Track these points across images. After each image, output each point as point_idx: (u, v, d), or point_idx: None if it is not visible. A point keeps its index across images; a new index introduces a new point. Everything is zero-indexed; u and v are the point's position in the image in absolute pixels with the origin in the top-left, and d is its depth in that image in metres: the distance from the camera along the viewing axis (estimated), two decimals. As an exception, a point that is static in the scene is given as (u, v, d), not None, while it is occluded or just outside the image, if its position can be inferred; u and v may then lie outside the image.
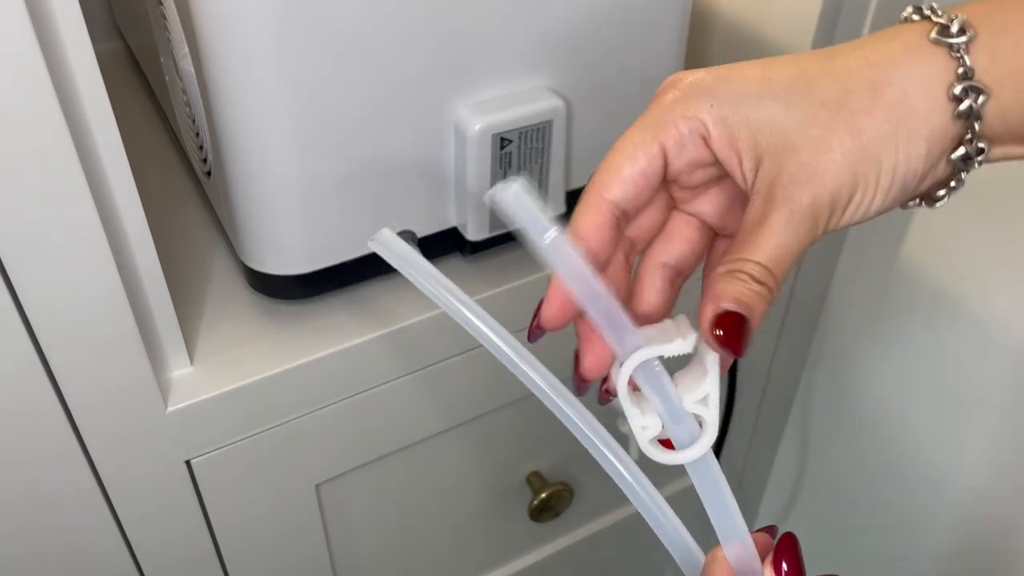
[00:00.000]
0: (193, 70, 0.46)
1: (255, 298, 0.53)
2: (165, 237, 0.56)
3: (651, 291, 0.37)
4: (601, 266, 0.34)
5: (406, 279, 0.55)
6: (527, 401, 0.62)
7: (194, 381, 0.48)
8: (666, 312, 0.37)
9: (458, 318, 0.36)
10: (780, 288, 0.32)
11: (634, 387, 0.34)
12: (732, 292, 0.31)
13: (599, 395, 0.37)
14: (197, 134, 0.52)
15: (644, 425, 0.34)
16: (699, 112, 0.32)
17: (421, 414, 0.58)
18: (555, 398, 0.36)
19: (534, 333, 0.38)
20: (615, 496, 0.57)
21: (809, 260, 0.71)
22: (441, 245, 0.53)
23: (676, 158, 0.33)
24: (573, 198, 0.55)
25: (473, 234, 0.52)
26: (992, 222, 0.62)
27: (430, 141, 0.48)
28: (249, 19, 0.41)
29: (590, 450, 0.35)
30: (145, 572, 0.54)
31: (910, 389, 0.72)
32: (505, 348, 0.37)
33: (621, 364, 0.33)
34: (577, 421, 0.36)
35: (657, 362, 0.33)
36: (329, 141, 0.45)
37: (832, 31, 0.59)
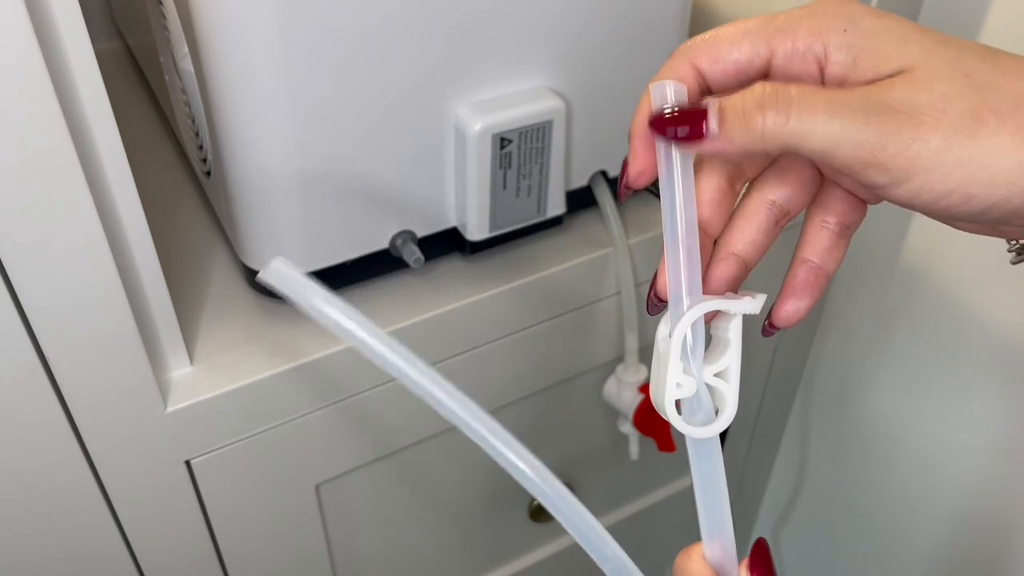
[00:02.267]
0: (193, 70, 0.46)
1: (255, 298, 0.53)
2: (165, 237, 0.56)
3: (752, 228, 0.33)
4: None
5: (406, 279, 0.55)
6: (527, 401, 0.62)
7: (194, 381, 0.48)
8: (762, 253, 0.34)
9: (366, 350, 0.34)
10: (780, 133, 0.28)
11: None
12: (733, 97, 0.29)
13: (648, 302, 0.35)
14: (197, 134, 0.52)
15: (680, 382, 0.33)
16: (826, 32, 0.29)
17: (421, 414, 0.58)
18: (479, 427, 0.35)
19: (623, 193, 0.34)
20: (615, 496, 0.57)
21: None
22: (441, 245, 0.53)
23: (780, 68, 0.30)
24: (573, 198, 0.55)
25: (473, 234, 0.52)
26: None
27: (430, 141, 0.48)
28: (249, 19, 0.41)
29: (515, 476, 0.34)
30: (145, 572, 0.54)
31: (910, 390, 0.72)
32: (420, 378, 0.34)
33: (686, 311, 0.32)
34: (501, 448, 0.35)
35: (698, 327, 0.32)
36: (329, 141, 0.45)
37: (832, 31, 0.59)
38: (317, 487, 0.57)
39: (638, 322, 0.59)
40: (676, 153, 0.31)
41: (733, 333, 0.32)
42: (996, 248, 0.62)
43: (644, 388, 0.60)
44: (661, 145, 0.31)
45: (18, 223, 0.38)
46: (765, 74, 0.31)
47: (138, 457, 0.48)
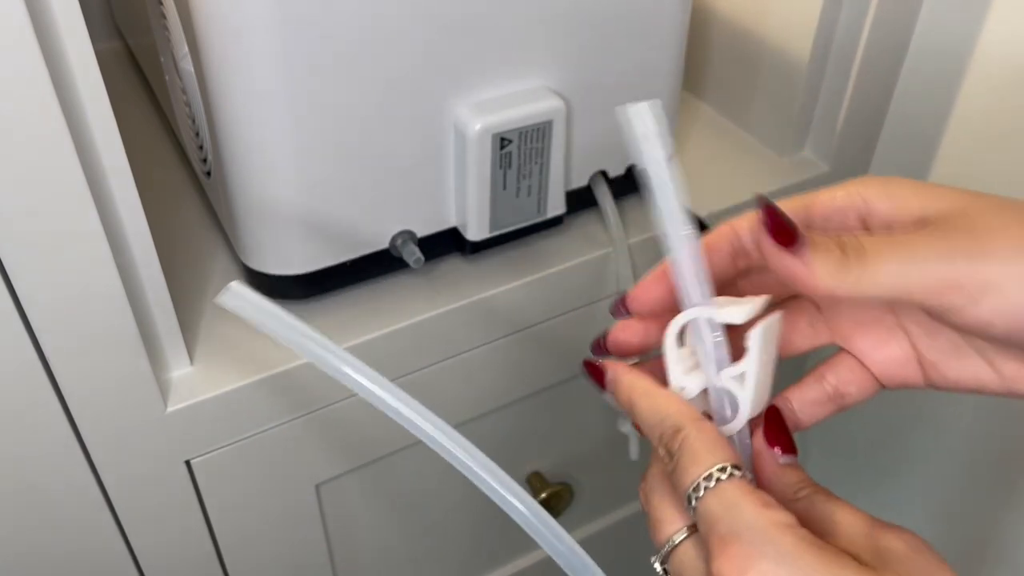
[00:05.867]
0: (193, 70, 0.46)
1: (255, 298, 0.53)
2: (165, 237, 0.56)
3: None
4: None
5: (406, 279, 0.55)
6: (527, 401, 0.62)
7: (194, 381, 0.48)
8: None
9: (325, 366, 0.35)
10: (856, 283, 0.29)
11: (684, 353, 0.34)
12: (815, 235, 0.29)
13: (613, 306, 0.36)
14: (197, 134, 0.52)
15: (683, 386, 0.34)
16: (865, 190, 0.31)
17: (421, 414, 0.58)
18: (446, 443, 0.37)
19: (618, 310, 0.36)
20: (615, 496, 0.57)
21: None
22: (441, 245, 0.53)
23: (821, 226, 0.32)
24: (573, 198, 0.55)
25: (473, 234, 0.52)
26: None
27: (430, 141, 0.48)
28: (248, 19, 0.41)
29: (485, 491, 0.35)
30: (145, 572, 0.54)
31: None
32: (382, 393, 0.36)
33: (675, 319, 0.33)
34: (470, 463, 0.37)
35: (716, 330, 0.33)
36: (329, 141, 0.45)
37: (832, 32, 0.59)
38: (317, 487, 0.57)
39: (638, 322, 0.59)
40: (663, 164, 0.32)
41: (752, 341, 0.33)
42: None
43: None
44: (653, 158, 0.32)
45: (18, 223, 0.38)
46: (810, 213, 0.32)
47: (138, 457, 0.48)
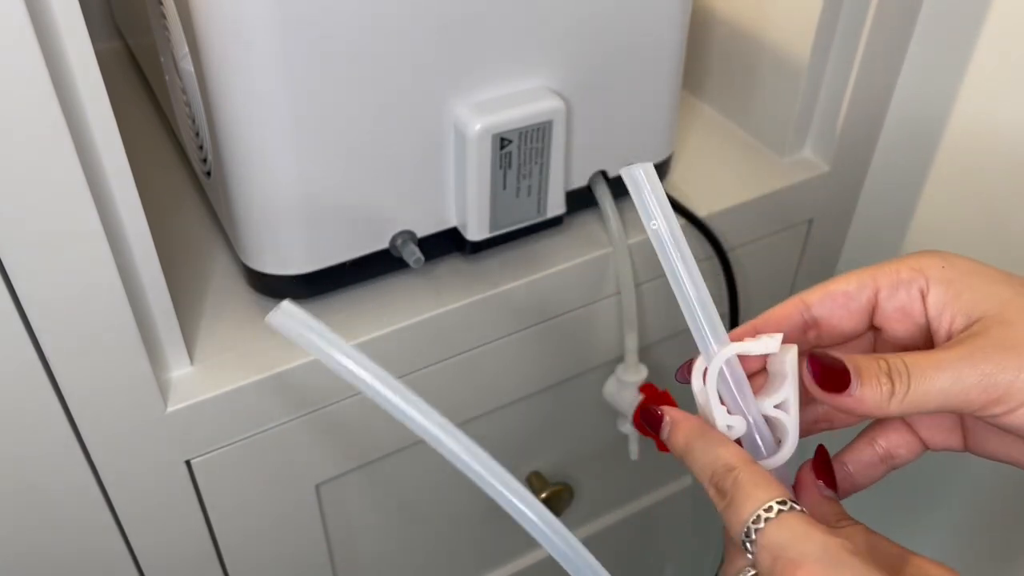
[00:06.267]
0: (193, 70, 0.46)
1: (255, 298, 0.53)
2: (165, 237, 0.56)
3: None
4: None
5: (406, 279, 0.55)
6: (527, 401, 0.62)
7: (194, 381, 0.48)
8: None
9: (372, 394, 0.38)
10: (901, 405, 0.31)
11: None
12: (861, 360, 0.32)
13: (678, 373, 0.37)
14: (197, 134, 0.52)
15: (730, 424, 0.34)
16: (927, 268, 0.33)
17: (421, 414, 0.58)
18: (468, 459, 0.39)
19: (683, 376, 0.38)
20: (614, 496, 0.57)
21: (809, 260, 0.71)
22: (441, 245, 0.53)
23: (887, 299, 0.34)
24: (573, 198, 0.55)
25: (473, 234, 0.52)
26: (991, 223, 0.62)
27: (430, 141, 0.48)
28: (249, 19, 0.41)
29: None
30: (145, 572, 0.54)
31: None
32: (425, 422, 0.39)
33: (710, 361, 0.34)
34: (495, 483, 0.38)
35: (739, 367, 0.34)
36: (329, 141, 0.45)
37: (832, 32, 0.59)
38: (317, 487, 0.57)
39: (638, 322, 0.59)
40: (670, 230, 0.35)
41: (789, 366, 0.34)
42: (995, 249, 0.62)
43: (644, 388, 0.60)
44: (667, 245, 0.36)
45: (18, 223, 0.38)
46: (872, 306, 0.35)
47: (138, 457, 0.48)
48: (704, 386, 0.34)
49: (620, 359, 0.61)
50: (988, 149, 0.60)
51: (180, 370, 0.49)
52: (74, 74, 0.37)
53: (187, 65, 0.47)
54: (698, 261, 0.61)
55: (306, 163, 0.46)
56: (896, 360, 0.32)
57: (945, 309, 0.33)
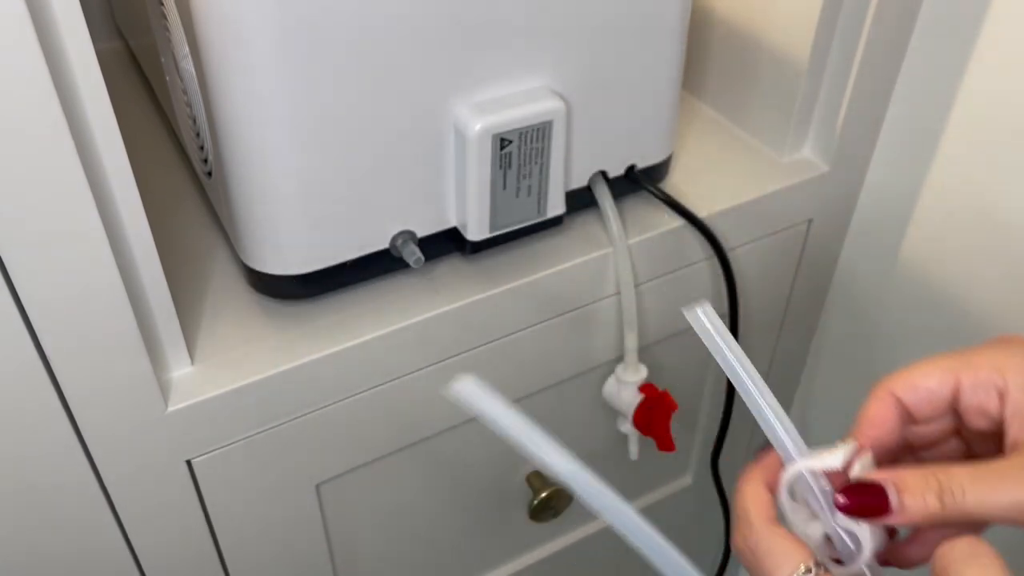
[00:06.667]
0: (194, 70, 0.46)
1: (256, 298, 0.53)
2: (166, 237, 0.56)
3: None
4: (890, 456, 0.37)
5: (406, 280, 0.55)
6: (527, 401, 0.63)
7: (195, 381, 0.48)
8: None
9: (551, 470, 0.41)
10: (952, 521, 0.32)
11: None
12: (909, 479, 0.33)
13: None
14: (198, 134, 0.52)
15: (807, 534, 0.36)
16: (1007, 369, 0.34)
17: (421, 413, 0.58)
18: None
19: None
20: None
21: (808, 260, 0.71)
22: (441, 245, 0.53)
23: (967, 396, 0.35)
24: (573, 198, 0.55)
25: (473, 234, 0.52)
26: (989, 223, 0.62)
27: (430, 141, 0.48)
28: (249, 19, 0.41)
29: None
30: (146, 571, 0.54)
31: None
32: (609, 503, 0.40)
33: (783, 479, 0.37)
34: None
35: (820, 479, 0.36)
36: (329, 141, 0.45)
37: (832, 32, 0.59)
38: (317, 486, 0.57)
39: (638, 322, 0.59)
40: (725, 340, 0.37)
41: (859, 471, 0.35)
42: (995, 249, 0.62)
43: (643, 388, 0.60)
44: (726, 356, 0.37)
45: (19, 223, 0.38)
46: (955, 400, 0.36)
47: (139, 456, 0.48)
48: (783, 498, 0.36)
49: (620, 359, 0.61)
50: (988, 148, 0.60)
51: (181, 370, 0.49)
52: (75, 74, 0.37)
53: (188, 65, 0.47)
54: (697, 261, 0.62)
55: (306, 163, 0.46)
56: (947, 477, 0.32)
57: (1016, 414, 0.34)
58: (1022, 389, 0.34)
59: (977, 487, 0.32)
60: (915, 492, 0.32)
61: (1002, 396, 0.34)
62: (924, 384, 0.36)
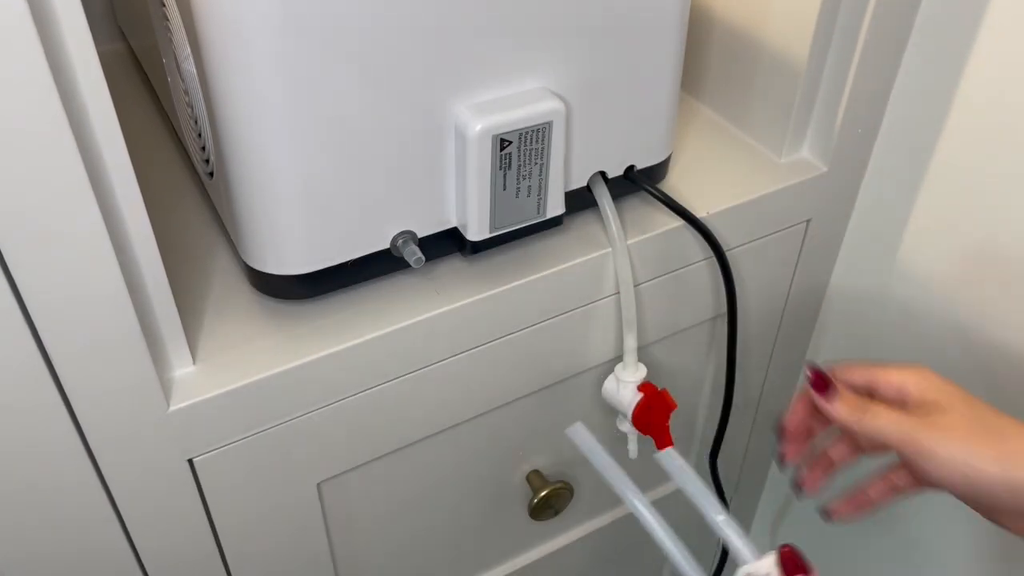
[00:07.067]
0: (195, 70, 0.46)
1: (257, 298, 0.53)
2: (167, 237, 0.57)
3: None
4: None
5: (406, 279, 0.55)
6: (527, 400, 0.63)
7: (196, 380, 0.48)
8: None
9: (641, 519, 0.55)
10: (859, 426, 0.49)
11: None
12: (848, 394, 0.50)
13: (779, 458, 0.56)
14: (199, 135, 0.52)
15: None
16: (907, 376, 0.50)
17: (422, 413, 0.58)
18: None
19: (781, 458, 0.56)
20: (614, 495, 0.57)
21: (806, 261, 0.71)
22: (441, 245, 0.53)
23: (880, 391, 0.51)
24: (572, 199, 0.55)
25: (473, 234, 0.52)
26: (988, 223, 0.62)
27: (431, 142, 0.48)
28: (251, 20, 0.41)
29: None
30: (148, 570, 0.54)
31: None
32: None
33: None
34: None
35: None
36: (330, 141, 0.46)
37: (830, 33, 0.59)
38: (319, 485, 0.57)
39: (637, 321, 0.60)
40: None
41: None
42: (994, 249, 0.62)
43: (643, 387, 0.60)
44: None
45: (21, 223, 0.38)
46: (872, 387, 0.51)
47: (141, 456, 0.48)
48: None
49: (619, 359, 0.62)
50: (985, 149, 0.60)
51: (182, 369, 0.49)
52: (77, 75, 0.37)
53: (189, 66, 0.47)
54: (696, 261, 0.62)
55: (307, 163, 0.46)
56: (867, 400, 0.49)
57: (917, 398, 0.49)
58: (913, 385, 0.49)
59: (877, 415, 0.48)
60: (846, 399, 0.49)
61: (901, 394, 0.49)
62: (852, 377, 0.52)
